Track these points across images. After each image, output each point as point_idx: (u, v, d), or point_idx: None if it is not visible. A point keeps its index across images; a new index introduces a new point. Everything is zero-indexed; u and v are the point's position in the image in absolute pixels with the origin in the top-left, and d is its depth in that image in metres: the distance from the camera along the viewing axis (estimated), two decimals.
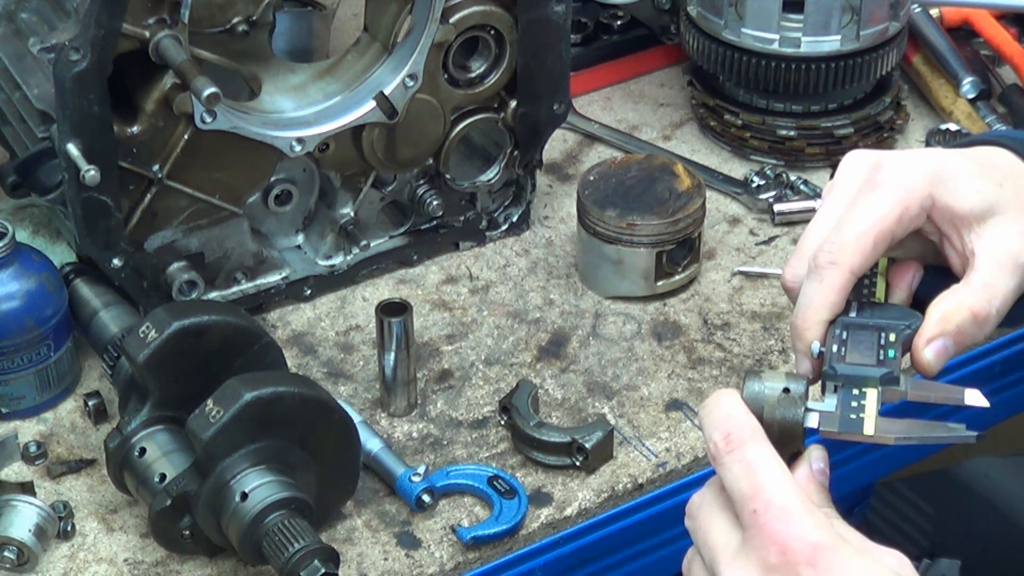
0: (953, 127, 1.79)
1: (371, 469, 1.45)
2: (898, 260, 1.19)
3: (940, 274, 1.17)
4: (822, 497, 1.08)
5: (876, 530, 2.22)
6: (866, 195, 1.14)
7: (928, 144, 1.77)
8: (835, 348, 1.12)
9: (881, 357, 1.11)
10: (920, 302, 1.16)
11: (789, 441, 1.08)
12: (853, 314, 1.14)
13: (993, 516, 2.14)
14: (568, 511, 1.43)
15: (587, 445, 1.44)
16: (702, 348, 1.59)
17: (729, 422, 1.05)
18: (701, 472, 1.47)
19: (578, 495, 1.44)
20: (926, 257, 1.19)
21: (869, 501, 2.25)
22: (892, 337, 1.12)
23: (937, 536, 2.23)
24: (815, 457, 1.09)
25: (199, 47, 1.50)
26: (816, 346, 1.12)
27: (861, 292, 1.16)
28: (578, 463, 1.45)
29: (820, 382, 1.12)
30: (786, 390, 1.08)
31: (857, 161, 1.19)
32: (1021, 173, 1.18)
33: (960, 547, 2.20)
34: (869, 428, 1.08)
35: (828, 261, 1.13)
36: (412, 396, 1.51)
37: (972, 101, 1.84)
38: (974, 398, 1.09)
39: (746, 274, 1.68)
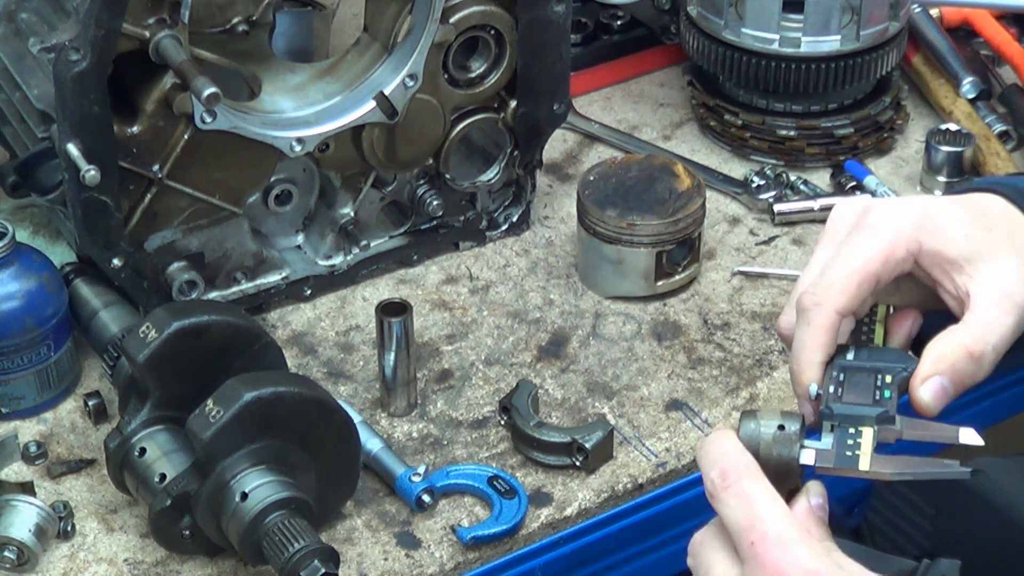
0: (953, 127, 1.79)
1: (371, 469, 1.45)
2: (898, 308, 1.21)
3: (941, 319, 1.18)
4: (821, 531, 1.10)
5: (876, 530, 2.22)
6: (852, 238, 1.17)
7: (928, 144, 1.77)
8: (832, 389, 1.14)
9: (877, 397, 1.13)
10: (921, 347, 1.17)
11: (786, 478, 1.10)
12: (851, 356, 1.16)
13: (993, 516, 2.13)
14: (568, 511, 1.43)
15: (587, 445, 1.44)
16: (702, 348, 1.59)
17: (725, 459, 1.08)
18: (701, 472, 1.47)
19: (578, 495, 1.44)
20: (926, 303, 1.20)
21: (869, 501, 2.25)
22: (888, 378, 1.15)
23: (937, 536, 2.23)
24: (813, 492, 1.11)
25: (199, 47, 1.50)
26: (813, 388, 1.15)
27: (860, 338, 1.17)
28: (578, 463, 1.45)
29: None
30: (781, 427, 1.10)
31: (847, 208, 1.21)
32: (1013, 218, 1.19)
33: (960, 547, 2.20)
34: (864, 464, 1.10)
35: (813, 303, 1.15)
36: (412, 396, 1.51)
37: (972, 101, 1.84)
38: (969, 437, 1.11)
39: (746, 274, 1.68)
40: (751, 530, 1.05)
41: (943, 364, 1.13)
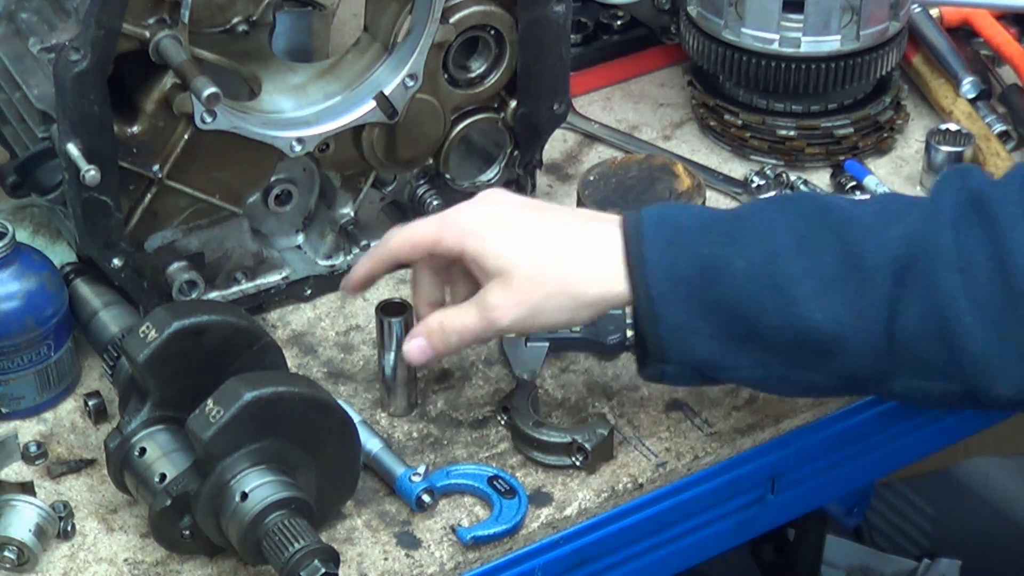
0: (953, 127, 1.79)
1: (371, 469, 1.45)
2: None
3: None
4: None
5: (876, 530, 2.22)
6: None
7: (928, 144, 1.77)
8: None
9: None
10: None
11: None
12: None
13: (993, 516, 2.14)
14: (568, 511, 1.43)
15: (587, 445, 1.44)
16: None
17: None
18: (701, 472, 1.48)
19: (578, 495, 1.44)
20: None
21: (869, 501, 2.25)
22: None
23: (937, 536, 2.23)
24: None
25: (199, 47, 1.50)
26: None
27: None
28: (578, 463, 1.45)
29: None
30: None
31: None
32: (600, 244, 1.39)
33: (960, 547, 2.20)
34: None
35: (389, 241, 1.46)
36: (412, 396, 1.51)
37: (972, 101, 1.84)
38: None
39: None
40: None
41: (423, 328, 1.41)
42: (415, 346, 1.41)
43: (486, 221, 1.39)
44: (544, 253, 1.37)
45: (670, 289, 1.33)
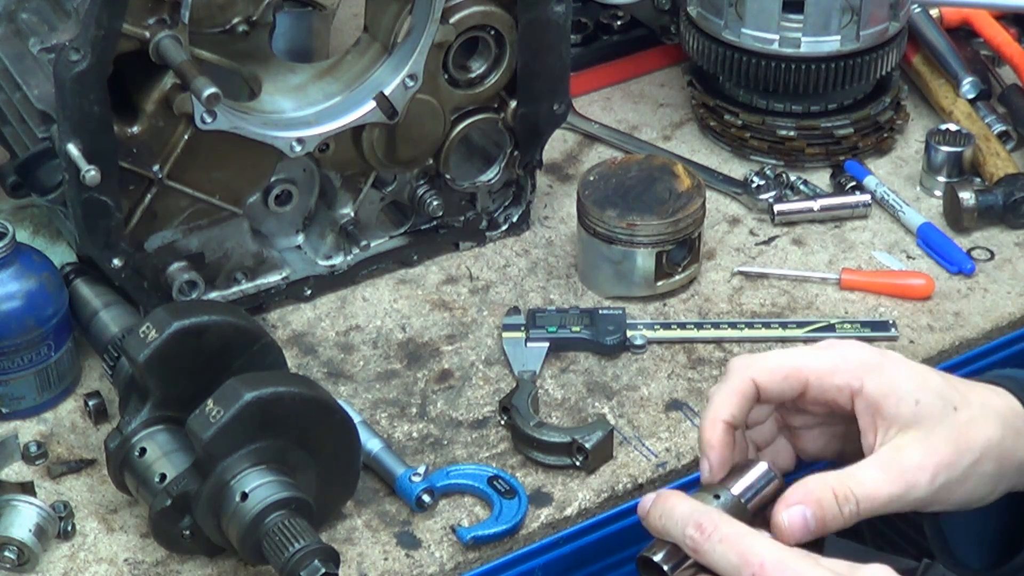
0: (953, 127, 1.79)
1: (371, 469, 1.45)
2: (801, 429, 1.26)
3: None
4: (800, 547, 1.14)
5: (875, 530, 2.22)
6: (812, 347, 1.23)
7: (928, 144, 1.77)
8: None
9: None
10: None
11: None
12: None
13: None
14: (568, 511, 1.43)
15: (587, 445, 1.44)
16: (702, 348, 1.59)
17: (694, 515, 1.13)
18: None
19: (578, 495, 1.44)
20: (832, 443, 1.25)
21: None
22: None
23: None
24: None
25: (199, 47, 1.50)
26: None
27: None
28: (578, 463, 1.45)
29: None
30: (717, 496, 1.18)
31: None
32: (1000, 411, 1.19)
33: None
34: None
35: (737, 366, 1.22)
36: None
37: (972, 101, 1.84)
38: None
39: (746, 274, 1.68)
40: (748, 564, 1.09)
41: (810, 497, 1.15)
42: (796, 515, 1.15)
43: None
44: None
45: None
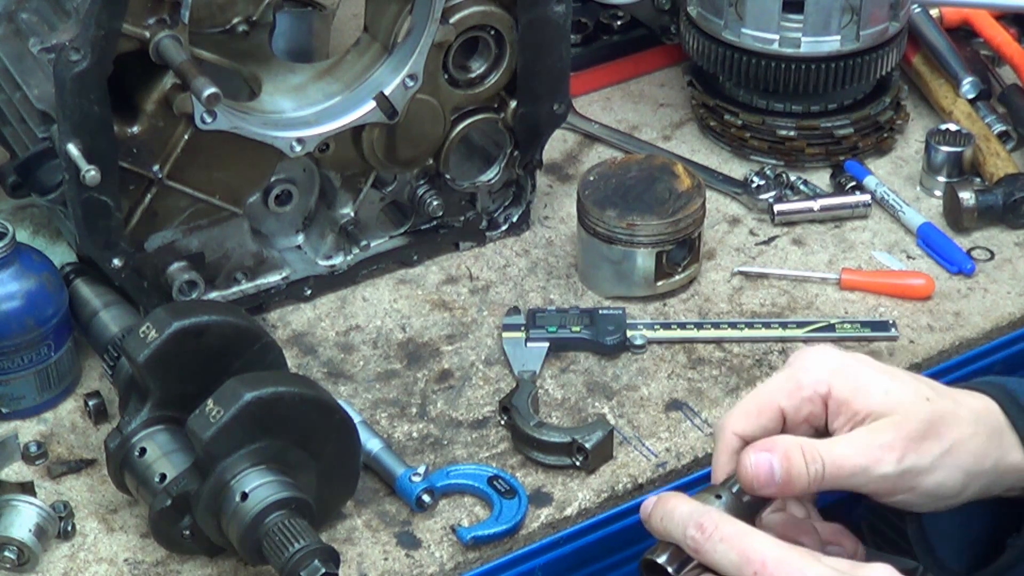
0: (953, 127, 1.79)
1: (371, 469, 1.45)
2: None
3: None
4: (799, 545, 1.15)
5: (875, 530, 2.22)
6: (775, 375, 1.23)
7: (928, 144, 1.77)
8: None
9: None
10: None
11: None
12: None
13: None
14: (568, 511, 1.43)
15: (587, 445, 1.44)
16: (702, 348, 1.59)
17: (694, 515, 1.14)
18: (701, 472, 1.47)
19: (578, 495, 1.44)
20: None
21: (869, 501, 2.25)
22: None
23: None
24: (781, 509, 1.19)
25: (199, 47, 1.50)
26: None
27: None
28: (578, 463, 1.45)
29: None
30: (718, 496, 1.18)
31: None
32: (982, 416, 1.21)
33: None
34: None
35: (719, 426, 1.22)
36: None
37: (972, 101, 1.84)
38: None
39: (746, 274, 1.68)
40: (750, 563, 1.10)
41: (778, 447, 1.16)
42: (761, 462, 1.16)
43: None
44: None
45: None
